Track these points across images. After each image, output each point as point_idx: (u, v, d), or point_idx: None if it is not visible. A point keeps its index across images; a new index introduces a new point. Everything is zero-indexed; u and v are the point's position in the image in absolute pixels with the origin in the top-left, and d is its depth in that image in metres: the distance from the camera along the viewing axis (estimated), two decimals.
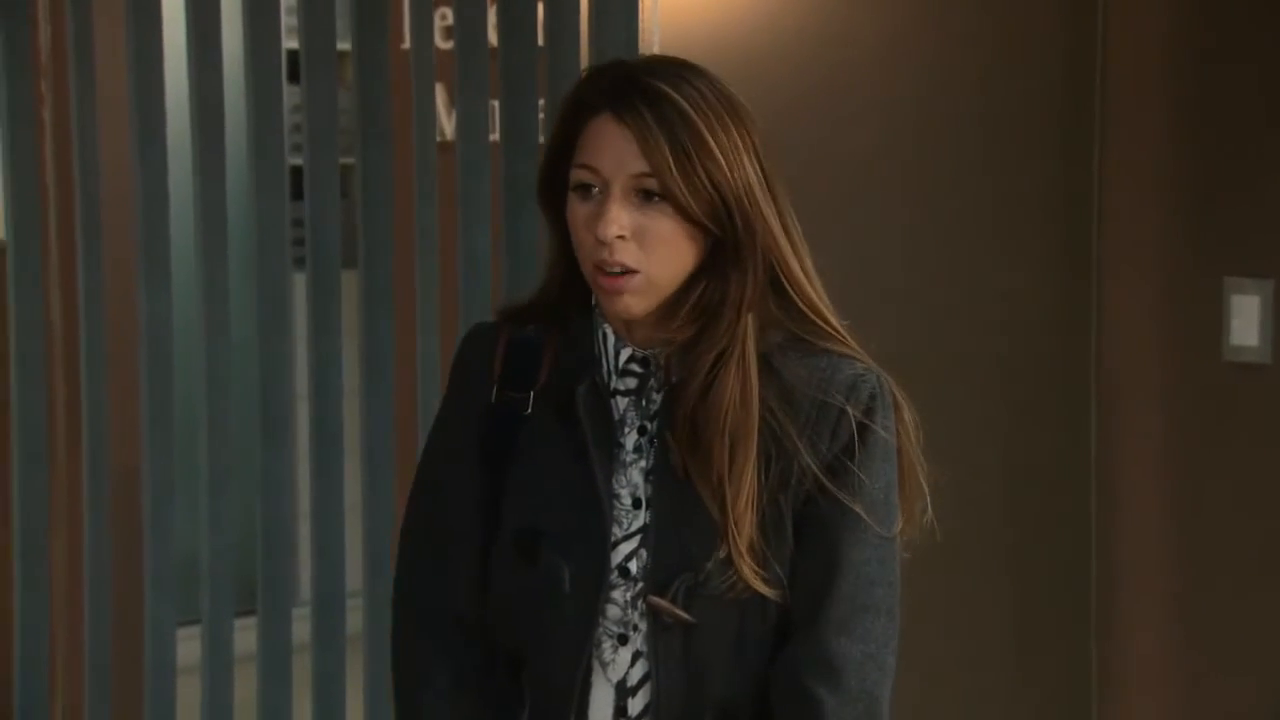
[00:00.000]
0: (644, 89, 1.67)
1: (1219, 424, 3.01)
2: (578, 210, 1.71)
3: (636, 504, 1.74)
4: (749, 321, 1.70)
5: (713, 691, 1.72)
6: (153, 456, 2.92)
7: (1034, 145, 3.12)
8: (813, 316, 1.74)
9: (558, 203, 1.74)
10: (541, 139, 2.64)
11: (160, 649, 2.94)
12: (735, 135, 1.69)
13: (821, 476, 1.70)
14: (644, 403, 1.75)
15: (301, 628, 2.83)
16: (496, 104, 2.72)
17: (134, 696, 3.06)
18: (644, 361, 1.75)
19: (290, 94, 2.86)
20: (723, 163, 1.67)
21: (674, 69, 1.71)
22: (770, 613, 1.72)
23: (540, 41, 2.61)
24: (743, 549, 1.68)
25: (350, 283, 2.74)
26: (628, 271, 1.68)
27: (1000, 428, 3.12)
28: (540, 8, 2.60)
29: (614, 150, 1.67)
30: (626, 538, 1.74)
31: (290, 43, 2.86)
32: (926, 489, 1.77)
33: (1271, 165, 2.93)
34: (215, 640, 2.88)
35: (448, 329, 2.83)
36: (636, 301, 1.70)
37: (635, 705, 1.74)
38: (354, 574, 2.83)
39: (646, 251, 1.68)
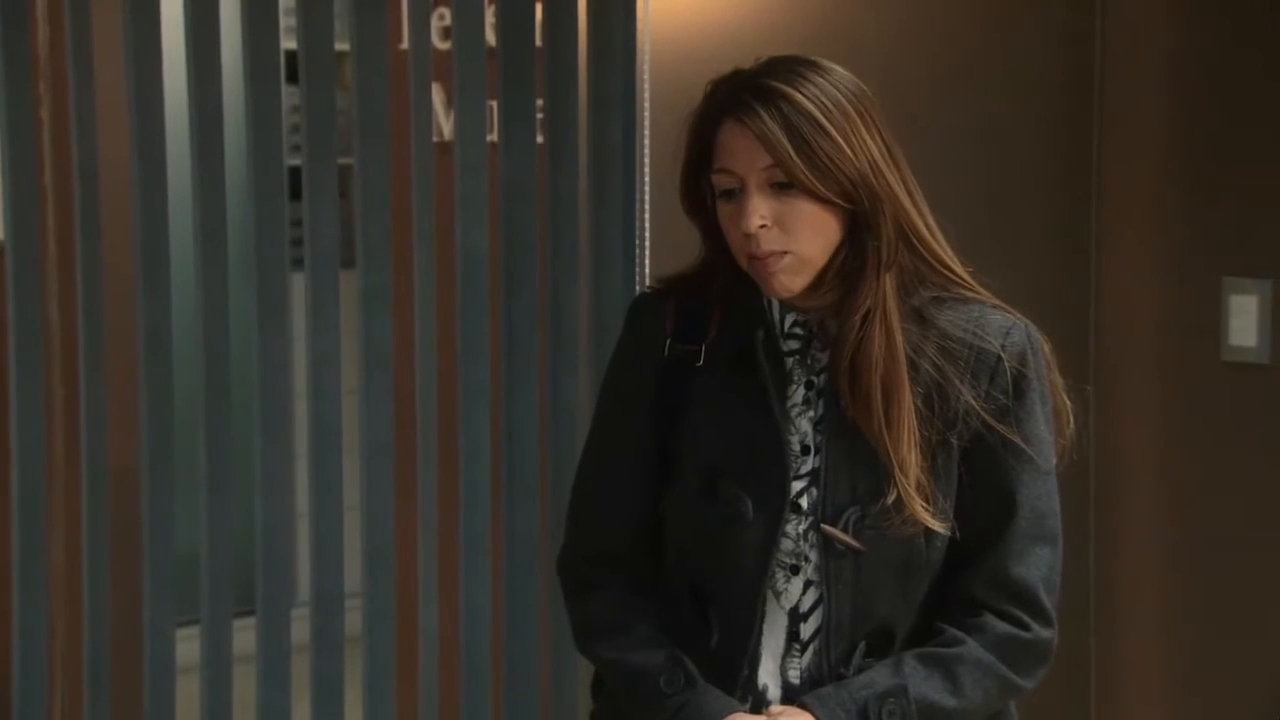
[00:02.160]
0: (755, 89, 1.83)
1: (1217, 424, 3.01)
2: (726, 212, 1.87)
3: (805, 450, 1.90)
4: (887, 282, 1.85)
5: (876, 614, 1.88)
6: (151, 456, 2.92)
7: (1032, 145, 3.12)
8: (940, 269, 1.90)
9: (702, 209, 1.91)
10: (540, 138, 2.65)
11: (159, 649, 2.94)
12: (851, 113, 1.84)
13: (988, 418, 1.86)
14: (809, 360, 1.90)
15: (300, 628, 2.83)
16: (495, 104, 2.72)
17: (132, 696, 3.06)
18: (806, 325, 1.92)
19: (289, 94, 2.86)
20: (840, 142, 1.82)
21: (785, 65, 1.86)
22: (934, 541, 1.87)
23: (539, 42, 2.62)
24: (911, 489, 1.83)
25: (348, 282, 2.75)
26: (776, 254, 1.84)
27: None
28: (539, 8, 2.60)
29: (741, 150, 1.84)
30: (797, 478, 1.89)
31: (289, 43, 2.86)
32: (1071, 418, 1.94)
33: (1270, 165, 2.93)
34: (214, 640, 2.88)
35: (446, 328, 2.84)
36: (790, 279, 1.86)
37: (806, 630, 1.90)
38: (353, 574, 2.83)
39: (790, 234, 1.84)
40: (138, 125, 2.89)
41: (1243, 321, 2.94)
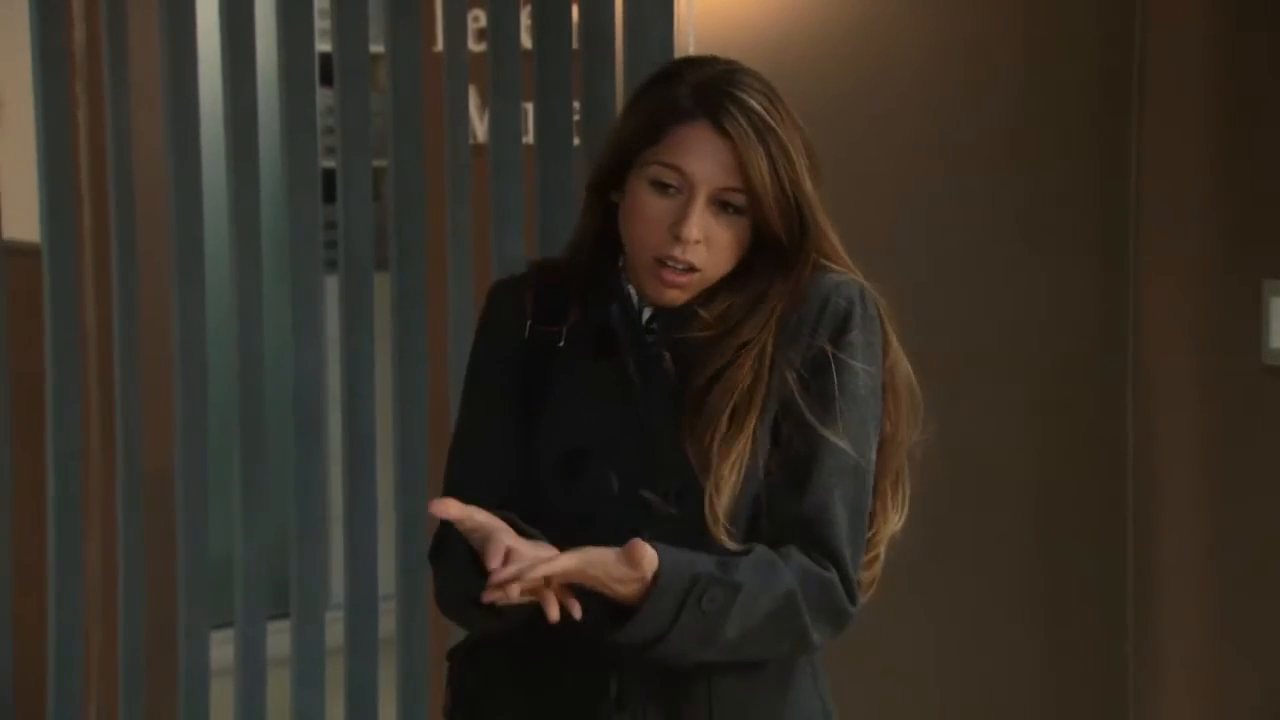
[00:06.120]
0: (740, 103, 1.77)
1: (1257, 428, 2.99)
2: (652, 204, 1.79)
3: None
4: (776, 320, 1.80)
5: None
6: (186, 459, 2.92)
7: (1070, 147, 3.10)
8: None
9: (608, 188, 1.84)
10: (576, 141, 2.64)
11: (194, 652, 2.94)
12: (800, 146, 1.79)
13: (801, 378, 1.79)
14: (653, 350, 1.84)
15: (334, 631, 2.83)
16: (529, 106, 2.71)
17: (168, 700, 3.06)
18: (657, 318, 1.85)
19: (323, 96, 2.86)
20: (801, 177, 1.78)
21: (752, 78, 1.80)
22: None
23: (575, 44, 2.61)
24: (719, 511, 1.76)
25: (382, 285, 2.74)
26: (690, 269, 1.79)
27: (1036, 431, 3.11)
28: (575, 9, 2.60)
29: (709, 160, 1.77)
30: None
31: (323, 45, 2.86)
32: (919, 397, 1.87)
33: None
34: (248, 643, 2.88)
35: None
36: (686, 293, 1.82)
37: None
38: (387, 577, 2.82)
39: (710, 253, 1.80)
40: (173, 128, 2.89)
41: None
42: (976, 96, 3.04)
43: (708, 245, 1.78)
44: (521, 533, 1.72)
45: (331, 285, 2.81)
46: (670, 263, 1.78)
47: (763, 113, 1.77)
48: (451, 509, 1.70)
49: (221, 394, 2.94)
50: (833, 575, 1.78)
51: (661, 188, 1.78)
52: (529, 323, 1.88)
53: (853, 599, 1.79)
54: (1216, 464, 3.05)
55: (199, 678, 2.95)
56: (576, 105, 2.65)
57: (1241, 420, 3.01)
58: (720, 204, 1.78)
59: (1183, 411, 3.09)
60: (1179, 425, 3.10)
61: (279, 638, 2.94)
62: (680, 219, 1.77)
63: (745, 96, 1.77)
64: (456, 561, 1.75)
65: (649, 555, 1.68)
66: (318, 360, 2.81)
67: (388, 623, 2.83)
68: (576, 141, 2.70)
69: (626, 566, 1.67)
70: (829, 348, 1.80)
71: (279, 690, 2.91)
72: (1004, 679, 3.13)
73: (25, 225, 3.45)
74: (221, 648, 3.03)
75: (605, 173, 1.84)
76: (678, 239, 1.77)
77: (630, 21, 2.50)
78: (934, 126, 3.02)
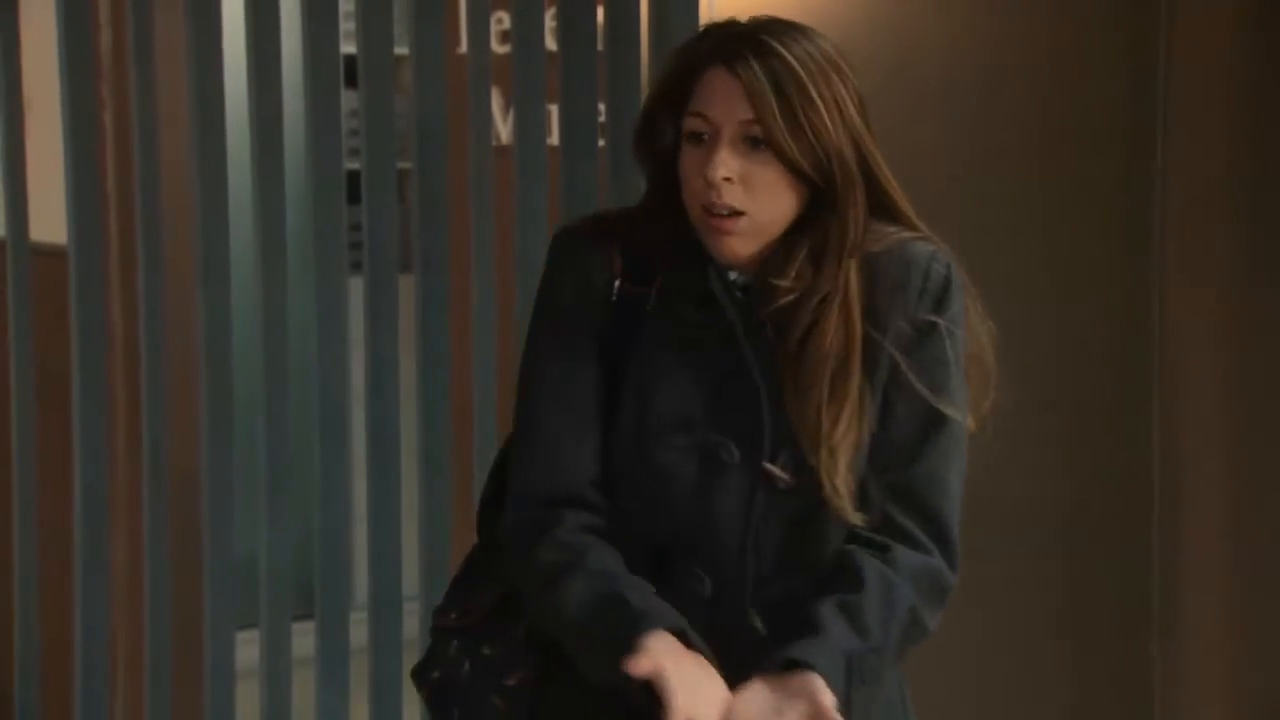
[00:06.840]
0: (753, 43, 1.80)
1: None
2: (690, 156, 1.82)
3: None
4: (851, 266, 1.81)
5: (808, 552, 1.81)
6: (212, 459, 2.93)
7: (1096, 147, 3.10)
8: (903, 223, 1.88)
9: (656, 154, 1.87)
10: (601, 142, 2.65)
11: (219, 652, 2.95)
12: (839, 87, 1.80)
13: (904, 350, 1.81)
14: (751, 319, 1.84)
15: (359, 631, 2.84)
16: (554, 108, 2.72)
17: (193, 700, 3.07)
18: (746, 288, 1.86)
19: (348, 99, 2.87)
20: (824, 113, 1.79)
21: (782, 26, 1.83)
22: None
23: (600, 45, 2.61)
24: (839, 484, 1.77)
25: (406, 287, 2.75)
26: (734, 214, 1.80)
27: (1061, 430, 3.10)
28: (600, 11, 2.60)
29: (724, 98, 1.80)
30: None
31: (348, 47, 2.87)
32: (992, 365, 1.91)
33: None
34: (273, 644, 2.89)
35: (504, 332, 2.83)
36: (742, 244, 1.82)
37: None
38: (411, 578, 2.83)
39: (751, 195, 1.80)
40: (199, 129, 2.90)
41: None
42: (1001, 99, 3.03)
43: (746, 186, 1.79)
44: (688, 644, 1.72)
45: (356, 287, 2.82)
46: (712, 209, 1.80)
47: (782, 52, 1.79)
48: (644, 665, 1.67)
49: (246, 395, 2.95)
50: (938, 561, 1.81)
51: (696, 139, 1.81)
52: (618, 282, 1.86)
53: (954, 569, 1.83)
54: (1243, 463, 3.04)
55: (224, 678, 2.96)
56: (601, 107, 2.65)
57: (1268, 420, 3.01)
58: (751, 141, 1.79)
59: (1209, 411, 3.08)
60: (1205, 425, 3.09)
61: (303, 638, 2.95)
62: (706, 161, 1.80)
63: (767, 39, 1.80)
64: (601, 627, 1.74)
65: (826, 693, 1.67)
66: (342, 361, 2.82)
67: (411, 623, 2.84)
68: (601, 143, 2.70)
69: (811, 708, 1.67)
70: (938, 319, 1.83)
71: (304, 690, 2.92)
72: (1029, 679, 3.12)
73: (52, 227, 3.46)
74: (246, 648, 3.04)
75: (642, 133, 1.87)
76: (709, 182, 1.79)
77: (655, 23, 2.50)
78: (957, 128, 3.01)
